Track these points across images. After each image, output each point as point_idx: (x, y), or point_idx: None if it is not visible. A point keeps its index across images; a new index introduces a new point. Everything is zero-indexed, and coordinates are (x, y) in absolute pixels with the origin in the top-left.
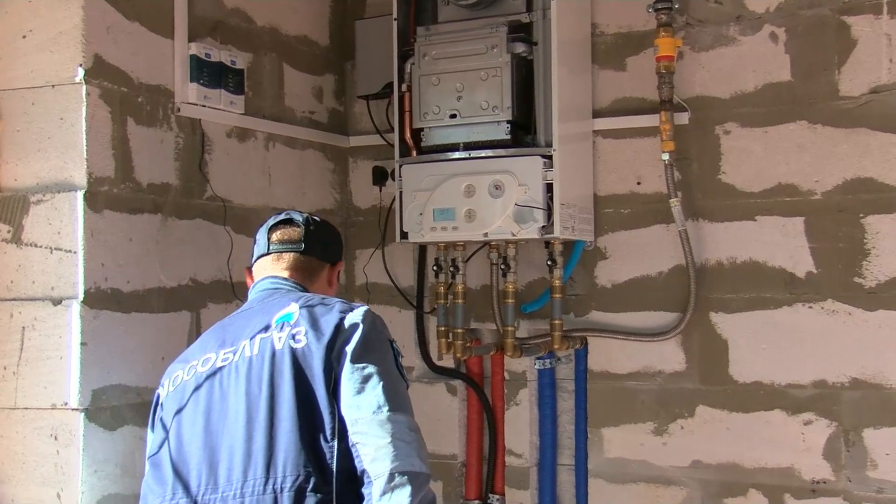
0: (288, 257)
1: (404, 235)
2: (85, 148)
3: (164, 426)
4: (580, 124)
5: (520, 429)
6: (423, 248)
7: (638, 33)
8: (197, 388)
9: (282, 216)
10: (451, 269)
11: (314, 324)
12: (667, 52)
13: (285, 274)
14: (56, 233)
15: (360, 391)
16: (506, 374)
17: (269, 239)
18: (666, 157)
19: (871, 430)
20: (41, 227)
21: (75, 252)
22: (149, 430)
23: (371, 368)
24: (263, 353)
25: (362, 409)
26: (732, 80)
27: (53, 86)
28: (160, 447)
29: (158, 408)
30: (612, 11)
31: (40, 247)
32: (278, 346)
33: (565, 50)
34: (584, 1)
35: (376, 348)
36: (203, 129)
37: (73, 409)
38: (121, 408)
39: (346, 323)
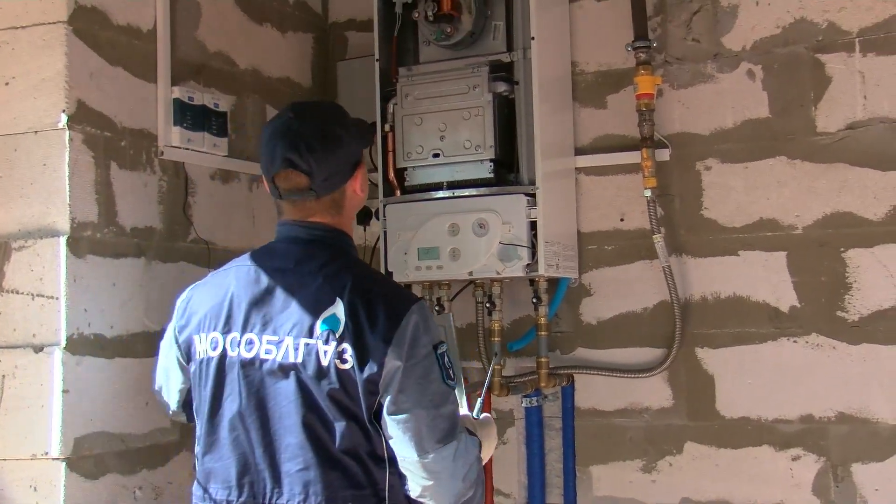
0: (304, 205)
1: (389, 275)
2: (68, 193)
3: (204, 392)
4: (562, 162)
5: (508, 468)
6: (408, 287)
7: (617, 71)
8: (248, 377)
9: (278, 155)
10: (437, 307)
11: (360, 345)
12: (646, 90)
13: (310, 219)
14: (38, 279)
15: (404, 431)
16: (493, 413)
17: (275, 185)
18: (648, 193)
19: (859, 464)
20: (23, 273)
21: (57, 298)
22: (167, 360)
23: (412, 410)
24: (308, 365)
25: (406, 449)
26: (712, 116)
27: (36, 132)
28: (207, 418)
29: (193, 361)
30: (592, 50)
31: (22, 293)
32: (324, 362)
33: (546, 88)
34: (563, 40)
35: (420, 376)
36: (187, 171)
37: (53, 459)
38: (104, 456)
39: (391, 355)
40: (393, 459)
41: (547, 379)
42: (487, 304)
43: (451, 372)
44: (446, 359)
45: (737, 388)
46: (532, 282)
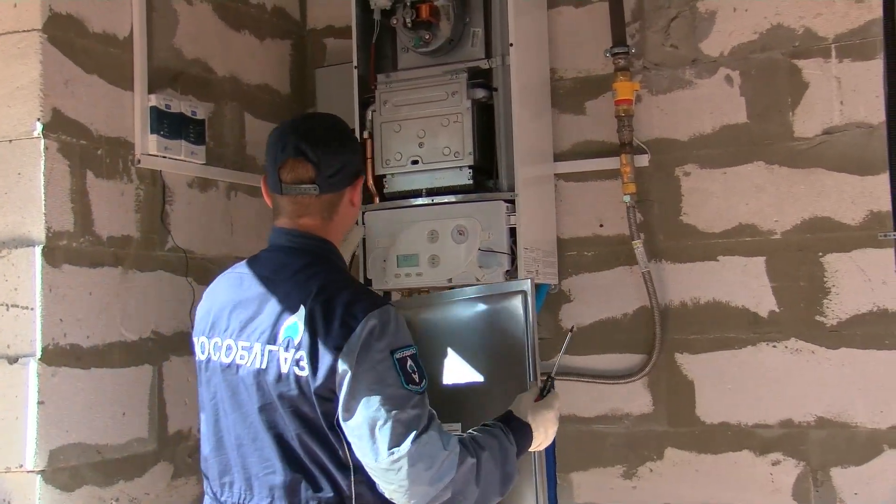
0: (303, 201)
1: (368, 282)
2: (43, 202)
3: (202, 393)
4: (541, 168)
5: None
6: (387, 295)
7: (596, 77)
8: (227, 381)
9: (289, 144)
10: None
11: (313, 353)
12: (625, 96)
13: (302, 222)
14: (13, 289)
15: (359, 437)
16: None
17: (279, 177)
18: (627, 199)
19: (838, 469)
20: None
21: (33, 308)
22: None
23: (363, 414)
24: (270, 371)
25: (364, 454)
26: (690, 122)
27: (11, 140)
28: (204, 418)
29: (202, 363)
30: (571, 56)
31: None
32: (284, 369)
33: (525, 95)
34: (542, 46)
35: (373, 381)
36: (164, 180)
37: (28, 472)
38: (80, 467)
39: (341, 362)
40: (358, 467)
41: None
42: None
43: (414, 377)
44: (409, 363)
45: (717, 393)
46: None
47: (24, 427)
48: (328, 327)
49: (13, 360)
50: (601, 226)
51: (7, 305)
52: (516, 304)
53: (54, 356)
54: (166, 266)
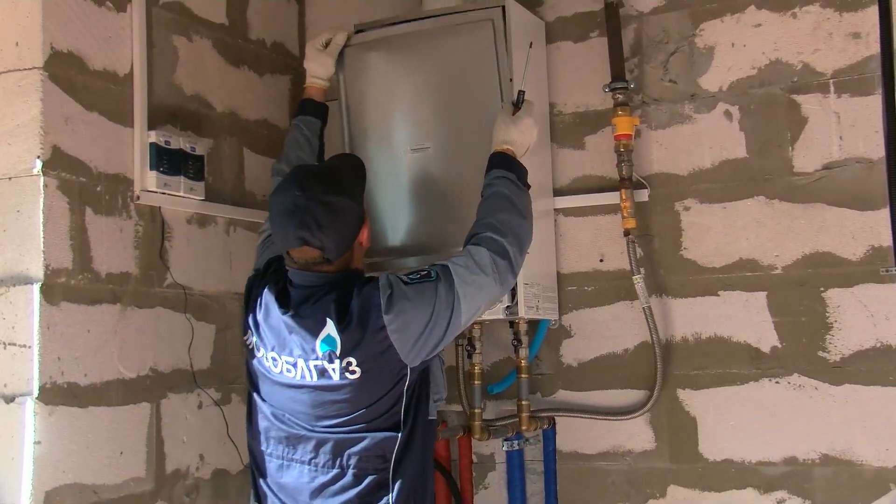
0: (319, 268)
1: None
2: (42, 240)
3: (257, 388)
4: (541, 203)
5: None
6: None
7: (595, 112)
8: (276, 390)
9: (290, 234)
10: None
11: (361, 356)
12: (625, 131)
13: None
14: (10, 327)
15: (473, 302)
16: (474, 457)
17: (291, 256)
18: (627, 234)
19: None
20: None
21: (30, 347)
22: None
23: (458, 298)
24: (322, 382)
25: (498, 290)
26: (690, 156)
27: (10, 178)
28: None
29: (256, 358)
30: (570, 91)
31: None
32: (335, 378)
33: None
34: (541, 81)
35: (428, 302)
36: (163, 216)
37: None
38: None
39: (396, 333)
40: (407, 423)
41: (528, 422)
42: (467, 347)
43: (430, 272)
44: (418, 276)
45: (719, 429)
46: (512, 324)
47: (20, 468)
48: (364, 322)
49: (10, 399)
50: (601, 260)
51: (4, 344)
52: (484, 33)
53: (52, 395)
54: (165, 303)
